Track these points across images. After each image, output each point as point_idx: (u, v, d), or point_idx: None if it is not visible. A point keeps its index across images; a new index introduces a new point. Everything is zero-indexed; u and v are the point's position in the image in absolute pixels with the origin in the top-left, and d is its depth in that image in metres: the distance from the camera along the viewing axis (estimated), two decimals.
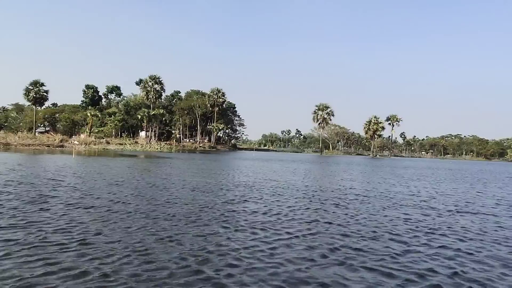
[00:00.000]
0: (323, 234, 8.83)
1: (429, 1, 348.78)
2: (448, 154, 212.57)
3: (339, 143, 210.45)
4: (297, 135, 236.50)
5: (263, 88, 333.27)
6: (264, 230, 9.04)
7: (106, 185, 16.20)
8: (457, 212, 12.94)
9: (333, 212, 11.84)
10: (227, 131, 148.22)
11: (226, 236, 8.29)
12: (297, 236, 8.55)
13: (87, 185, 16.14)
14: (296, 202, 13.68)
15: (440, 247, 8.10)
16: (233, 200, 13.57)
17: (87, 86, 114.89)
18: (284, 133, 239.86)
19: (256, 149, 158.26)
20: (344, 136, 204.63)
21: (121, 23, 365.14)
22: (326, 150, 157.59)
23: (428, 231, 9.62)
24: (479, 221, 11.25)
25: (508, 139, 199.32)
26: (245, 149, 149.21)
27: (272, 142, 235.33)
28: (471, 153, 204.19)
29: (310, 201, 14.10)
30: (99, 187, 15.49)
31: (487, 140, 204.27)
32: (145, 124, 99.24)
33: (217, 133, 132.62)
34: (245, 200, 13.58)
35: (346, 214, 11.66)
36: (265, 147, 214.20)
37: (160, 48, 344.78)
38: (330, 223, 10.16)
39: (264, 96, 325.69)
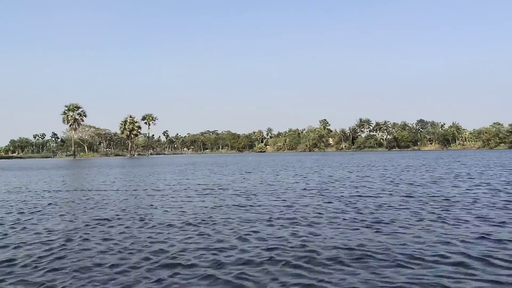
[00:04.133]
0: None
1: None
2: (207, 149, 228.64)
3: (101, 144, 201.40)
4: (54, 139, 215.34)
5: (9, 89, 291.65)
6: None
7: None
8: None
9: None
10: None
11: None
12: None
13: None
14: None
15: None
16: None
17: None
18: (38, 137, 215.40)
19: None
20: (107, 137, 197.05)
21: None
22: (82, 153, 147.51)
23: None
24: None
25: (254, 132, 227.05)
26: None
27: (22, 148, 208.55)
28: (227, 147, 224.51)
29: None
30: None
31: (239, 134, 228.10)
32: None
33: None
34: None
35: None
36: (14, 154, 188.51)
37: None
38: None
39: (10, 98, 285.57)
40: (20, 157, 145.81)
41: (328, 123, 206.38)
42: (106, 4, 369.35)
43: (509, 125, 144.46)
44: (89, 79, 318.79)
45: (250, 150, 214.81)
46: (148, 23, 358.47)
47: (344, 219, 9.83)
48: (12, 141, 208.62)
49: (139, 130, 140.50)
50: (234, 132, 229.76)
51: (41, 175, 33.44)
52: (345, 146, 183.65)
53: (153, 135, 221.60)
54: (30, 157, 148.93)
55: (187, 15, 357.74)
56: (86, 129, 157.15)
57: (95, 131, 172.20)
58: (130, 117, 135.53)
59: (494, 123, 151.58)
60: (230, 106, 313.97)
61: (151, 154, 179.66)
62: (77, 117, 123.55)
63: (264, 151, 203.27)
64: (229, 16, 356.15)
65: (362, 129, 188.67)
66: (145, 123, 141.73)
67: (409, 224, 9.06)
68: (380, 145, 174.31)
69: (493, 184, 17.58)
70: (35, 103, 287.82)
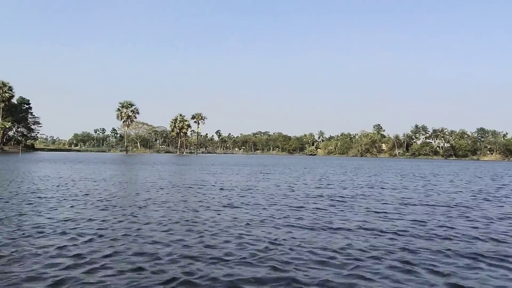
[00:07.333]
0: None
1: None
2: (258, 149, 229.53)
3: (157, 141, 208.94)
4: (113, 134, 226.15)
5: (71, 85, 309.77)
6: None
7: None
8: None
9: None
10: (20, 130, 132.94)
11: None
12: None
13: None
14: None
15: None
16: None
17: None
18: (98, 132, 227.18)
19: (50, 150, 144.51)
20: (162, 135, 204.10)
21: None
22: (135, 149, 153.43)
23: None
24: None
25: (305, 135, 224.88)
26: (43, 149, 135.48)
27: (84, 142, 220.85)
28: (277, 148, 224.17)
29: None
30: None
31: (290, 136, 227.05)
32: None
33: (4, 132, 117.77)
34: None
35: None
36: (77, 147, 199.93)
37: None
38: None
39: (75, 94, 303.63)
40: (78, 150, 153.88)
41: (382, 128, 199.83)
42: (163, 1, 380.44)
43: None
44: (148, 76, 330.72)
45: (301, 153, 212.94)
46: (205, 22, 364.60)
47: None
48: (75, 135, 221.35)
49: (188, 129, 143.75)
50: (285, 134, 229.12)
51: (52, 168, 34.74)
52: (398, 152, 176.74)
53: (206, 134, 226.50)
54: (87, 150, 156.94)
55: (238, 15, 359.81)
56: (139, 125, 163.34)
57: (150, 128, 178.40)
58: (180, 115, 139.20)
59: None
60: (283, 108, 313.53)
61: (202, 152, 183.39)
62: (130, 114, 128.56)
63: (315, 154, 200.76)
64: (288, 17, 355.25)
65: (418, 136, 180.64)
66: (195, 122, 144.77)
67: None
68: (436, 153, 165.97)
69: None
70: (101, 99, 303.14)
